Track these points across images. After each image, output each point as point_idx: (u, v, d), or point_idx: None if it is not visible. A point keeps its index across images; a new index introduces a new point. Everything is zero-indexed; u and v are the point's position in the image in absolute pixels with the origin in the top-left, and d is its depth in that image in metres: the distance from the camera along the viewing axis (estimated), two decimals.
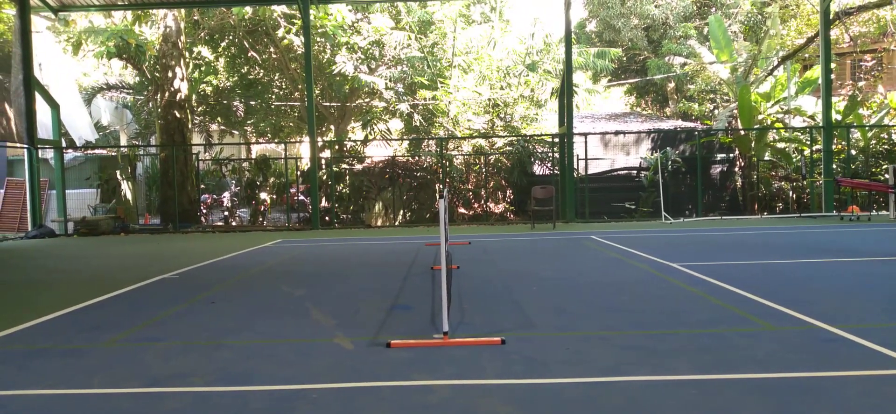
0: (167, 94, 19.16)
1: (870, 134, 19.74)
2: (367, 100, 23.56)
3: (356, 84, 21.41)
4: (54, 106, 18.19)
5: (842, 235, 12.01)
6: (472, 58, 22.07)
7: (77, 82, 27.70)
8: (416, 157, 20.97)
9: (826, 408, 3.27)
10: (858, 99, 21.57)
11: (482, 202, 20.17)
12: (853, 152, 19.52)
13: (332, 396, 3.68)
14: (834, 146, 18.28)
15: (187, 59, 21.35)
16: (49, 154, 19.09)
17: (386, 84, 21.51)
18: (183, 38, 19.70)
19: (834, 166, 17.85)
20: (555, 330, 5.12)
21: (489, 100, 22.13)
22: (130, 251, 12.52)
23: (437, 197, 18.95)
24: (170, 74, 19.09)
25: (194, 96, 23.67)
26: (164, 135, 19.52)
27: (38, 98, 17.42)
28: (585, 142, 18.14)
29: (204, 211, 20.72)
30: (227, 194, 21.89)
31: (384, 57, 21.98)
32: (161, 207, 19.73)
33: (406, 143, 22.45)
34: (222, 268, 9.45)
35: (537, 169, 20.67)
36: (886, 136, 20.15)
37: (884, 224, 14.11)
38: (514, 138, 20.83)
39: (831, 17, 19.08)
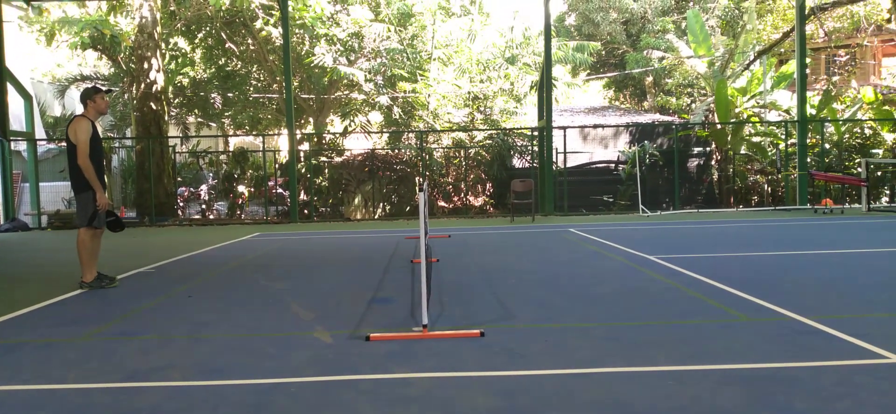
0: (143, 85, 18.87)
1: (843, 128, 20.05)
2: (346, 92, 23.42)
3: (335, 76, 21.26)
4: (27, 97, 17.85)
5: (816, 227, 12.21)
6: (451, 51, 22.02)
7: (50, 74, 27.26)
8: (396, 150, 20.91)
9: (800, 397, 3.32)
10: (832, 94, 21.89)
11: (462, 195, 20.18)
12: (827, 146, 19.82)
13: (311, 389, 3.67)
14: (808, 140, 18.54)
15: (163, 51, 21.03)
16: (21, 146, 18.72)
17: (365, 76, 21.38)
18: (159, 28, 19.40)
19: (808, 160, 18.11)
20: (534, 322, 5.14)
21: (469, 93, 22.12)
22: (106, 245, 12.31)
23: (417, 190, 18.89)
24: (145, 66, 18.79)
25: (170, 88, 23.35)
26: (140, 127, 19.23)
27: (11, 89, 17.07)
28: (564, 135, 18.21)
29: (181, 204, 20.48)
30: (204, 187, 21.65)
31: (364, 49, 21.84)
32: (137, 199, 19.45)
33: (386, 135, 22.34)
34: (199, 261, 9.36)
35: (517, 162, 20.71)
36: (859, 131, 20.48)
37: (856, 217, 14.36)
38: (494, 132, 20.84)
39: (806, 12, 19.31)
